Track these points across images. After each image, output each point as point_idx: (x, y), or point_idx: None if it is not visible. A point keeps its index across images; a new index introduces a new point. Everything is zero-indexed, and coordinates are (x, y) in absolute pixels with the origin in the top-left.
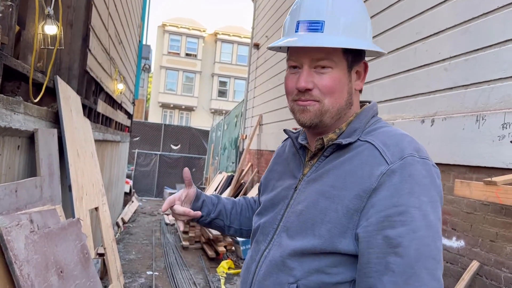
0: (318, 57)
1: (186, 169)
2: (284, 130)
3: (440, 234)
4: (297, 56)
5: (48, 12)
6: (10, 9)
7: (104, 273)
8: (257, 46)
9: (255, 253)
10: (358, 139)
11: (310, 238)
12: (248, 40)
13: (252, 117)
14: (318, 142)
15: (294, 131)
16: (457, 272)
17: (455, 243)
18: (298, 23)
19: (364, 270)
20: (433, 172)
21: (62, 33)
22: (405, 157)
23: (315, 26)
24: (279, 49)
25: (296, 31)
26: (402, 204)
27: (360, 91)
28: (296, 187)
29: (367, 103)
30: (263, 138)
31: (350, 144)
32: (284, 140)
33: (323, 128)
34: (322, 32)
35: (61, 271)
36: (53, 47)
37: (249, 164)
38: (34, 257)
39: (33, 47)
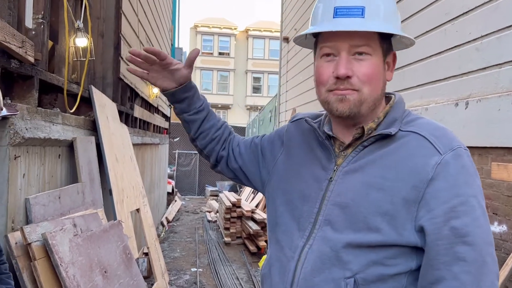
0: (357, 43)
1: (196, 50)
2: (306, 120)
3: None
4: (334, 43)
5: (78, 26)
6: (42, 26)
7: (150, 272)
8: (286, 39)
9: (289, 250)
10: (400, 129)
11: (365, 232)
12: (279, 34)
13: (286, 111)
14: (357, 132)
15: (313, 120)
16: (501, 257)
17: (497, 228)
18: (336, 9)
19: (431, 263)
20: (473, 162)
21: (93, 44)
22: (455, 149)
23: (355, 11)
24: (304, 40)
25: (334, 17)
26: (462, 194)
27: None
28: (331, 178)
29: (393, 95)
30: None
31: (392, 134)
32: (293, 121)
33: (360, 118)
34: (363, 17)
35: (105, 271)
36: (85, 59)
37: None
38: (78, 259)
39: (65, 60)
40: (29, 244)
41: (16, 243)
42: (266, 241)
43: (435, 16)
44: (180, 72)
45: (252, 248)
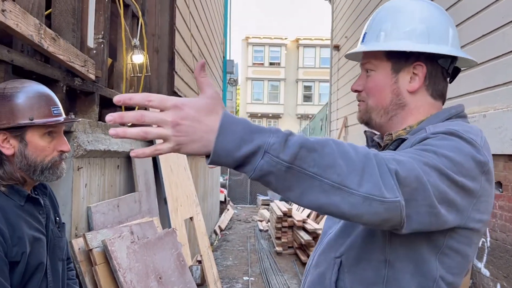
0: (364, 62)
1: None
2: (364, 132)
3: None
4: (360, 63)
5: (135, 43)
6: (102, 45)
7: (203, 279)
8: (337, 47)
9: (322, 235)
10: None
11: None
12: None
13: (337, 119)
14: (387, 138)
15: (377, 132)
16: None
17: None
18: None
19: None
20: (474, 151)
21: (148, 60)
22: (446, 131)
23: (363, 37)
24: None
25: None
26: (429, 143)
27: (414, 92)
28: None
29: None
30: (350, 140)
31: (405, 139)
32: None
33: (379, 125)
34: (363, 42)
35: (160, 278)
36: (141, 74)
37: None
38: (135, 265)
39: (123, 76)
40: (91, 250)
41: (79, 248)
42: None
43: (492, 19)
44: None
45: (304, 258)
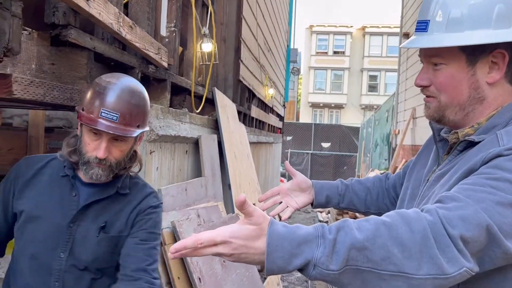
0: (430, 54)
1: (286, 162)
2: (430, 123)
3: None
4: (419, 54)
5: (204, 32)
6: (174, 34)
7: (263, 266)
8: (407, 35)
9: None
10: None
11: None
12: (399, 30)
13: (405, 110)
14: (453, 136)
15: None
16: None
17: None
18: (417, 23)
19: None
20: None
21: (217, 48)
22: None
23: (422, 25)
24: None
25: (415, 31)
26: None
27: (495, 83)
28: (428, 180)
29: None
30: (418, 132)
31: (474, 142)
32: None
33: (453, 122)
34: (426, 31)
35: (223, 261)
36: (209, 63)
37: (403, 160)
38: None
39: (193, 64)
40: (161, 230)
41: None
42: None
43: None
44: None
45: None
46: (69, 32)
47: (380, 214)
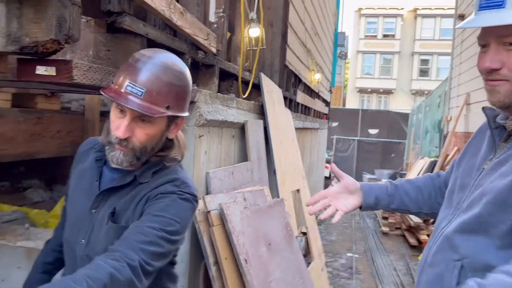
0: (504, 33)
1: (332, 164)
2: (483, 108)
3: None
4: (483, 34)
5: (252, 17)
6: (222, 20)
7: (308, 251)
8: (462, 17)
9: (435, 234)
10: None
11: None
12: (453, 11)
13: (458, 96)
14: (511, 123)
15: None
16: None
17: None
18: (480, 1)
19: None
20: None
21: (264, 33)
22: None
23: (496, 2)
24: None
25: (478, 9)
26: None
27: None
28: (483, 169)
29: None
30: (472, 119)
31: None
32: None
33: None
34: (504, 7)
35: (269, 244)
36: (257, 48)
37: (455, 148)
38: (247, 230)
39: (240, 50)
40: (209, 211)
41: (199, 209)
42: (428, 235)
43: None
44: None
45: (412, 240)
46: (123, 19)
47: (432, 214)
